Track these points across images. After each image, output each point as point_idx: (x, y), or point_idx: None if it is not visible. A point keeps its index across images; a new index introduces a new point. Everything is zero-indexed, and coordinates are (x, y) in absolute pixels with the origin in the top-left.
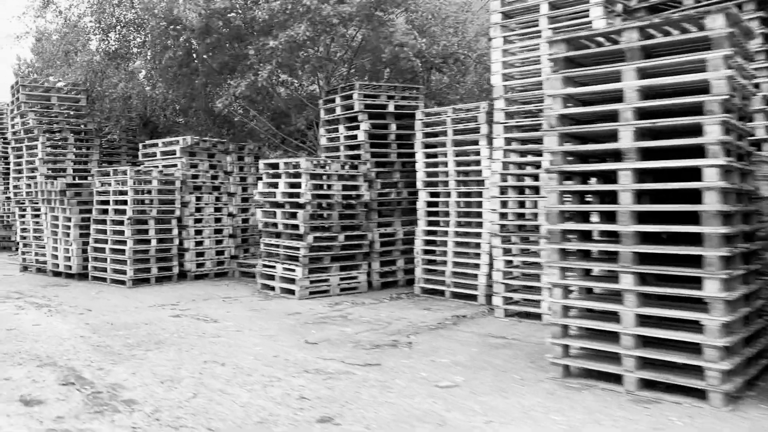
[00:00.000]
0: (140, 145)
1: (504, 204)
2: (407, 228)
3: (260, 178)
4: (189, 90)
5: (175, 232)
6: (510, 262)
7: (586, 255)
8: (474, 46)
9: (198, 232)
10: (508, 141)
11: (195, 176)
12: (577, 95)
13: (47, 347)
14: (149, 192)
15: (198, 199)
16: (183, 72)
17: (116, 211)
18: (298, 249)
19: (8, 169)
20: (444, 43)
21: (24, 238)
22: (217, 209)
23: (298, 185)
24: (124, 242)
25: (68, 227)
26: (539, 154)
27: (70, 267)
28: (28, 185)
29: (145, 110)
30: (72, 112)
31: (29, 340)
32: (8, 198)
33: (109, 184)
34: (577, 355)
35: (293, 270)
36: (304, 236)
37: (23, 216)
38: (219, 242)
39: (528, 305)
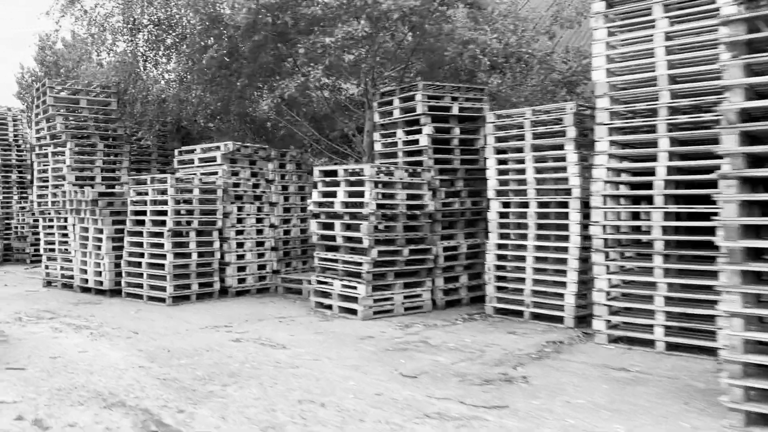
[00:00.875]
0: (176, 152)
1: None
2: (470, 241)
3: (303, 187)
4: (227, 93)
5: (217, 245)
6: (609, 280)
7: (757, 277)
8: (532, 45)
9: (239, 245)
10: (609, 145)
11: (236, 185)
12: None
13: (106, 381)
14: (189, 201)
15: (239, 209)
16: (222, 74)
17: (154, 222)
18: (359, 264)
19: (21, 178)
20: (505, 41)
21: (48, 250)
22: (259, 220)
23: (359, 194)
24: (162, 256)
25: (100, 240)
26: (640, 159)
27: (101, 283)
28: (54, 194)
29: (180, 114)
30: (101, 116)
31: (82, 372)
32: (22, 208)
33: (146, 193)
34: (755, 398)
35: (354, 287)
36: (368, 250)
37: (47, 227)
38: (260, 255)
39: (631, 329)
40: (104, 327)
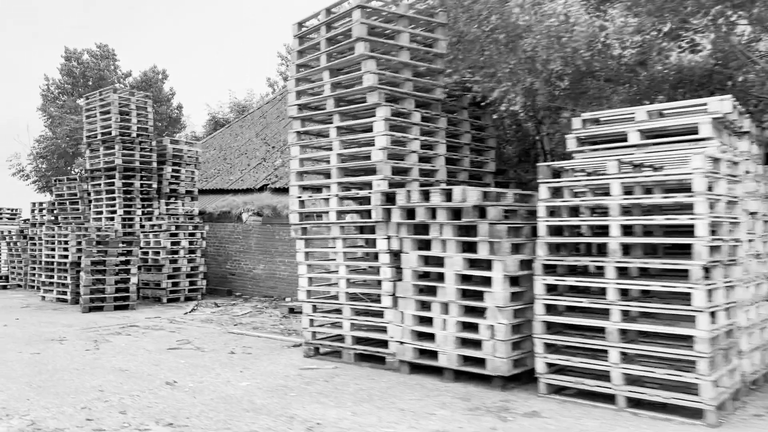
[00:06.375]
0: (574, 122)
1: None
2: None
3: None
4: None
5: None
6: None
7: None
8: None
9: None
10: None
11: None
12: None
13: None
14: (687, 207)
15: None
16: None
17: (626, 249)
18: None
19: (147, 187)
20: None
21: (310, 293)
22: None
23: None
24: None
25: (472, 280)
26: None
27: (481, 362)
28: (362, 201)
29: (592, 60)
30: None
31: None
32: (153, 226)
33: (596, 192)
34: None
35: None
36: None
37: (309, 253)
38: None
39: None
40: None
